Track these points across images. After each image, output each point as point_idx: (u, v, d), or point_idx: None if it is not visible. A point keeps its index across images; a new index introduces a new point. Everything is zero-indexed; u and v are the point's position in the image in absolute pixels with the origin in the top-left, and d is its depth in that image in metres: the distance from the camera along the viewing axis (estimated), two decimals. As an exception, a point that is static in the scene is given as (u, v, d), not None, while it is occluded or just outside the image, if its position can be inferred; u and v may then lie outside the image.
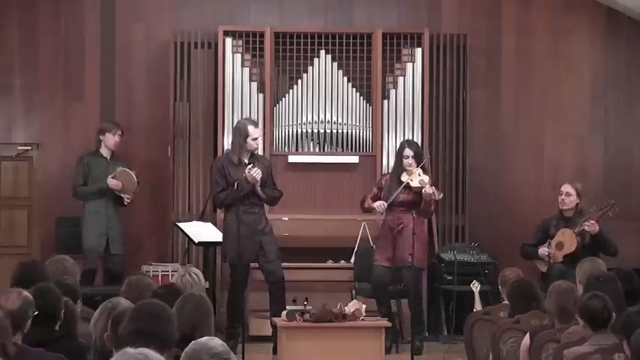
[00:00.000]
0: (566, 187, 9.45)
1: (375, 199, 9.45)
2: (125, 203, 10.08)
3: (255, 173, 9.08)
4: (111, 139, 10.10)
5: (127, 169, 10.06)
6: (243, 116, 10.55)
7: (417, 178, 9.27)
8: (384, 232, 9.44)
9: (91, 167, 10.06)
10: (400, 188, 9.28)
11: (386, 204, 9.32)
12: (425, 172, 9.39)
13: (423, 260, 9.43)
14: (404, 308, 9.77)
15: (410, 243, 9.08)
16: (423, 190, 9.17)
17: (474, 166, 11.02)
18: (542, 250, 9.30)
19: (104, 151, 10.13)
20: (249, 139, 9.17)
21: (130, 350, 3.47)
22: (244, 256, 9.02)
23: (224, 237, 9.24)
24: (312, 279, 10.07)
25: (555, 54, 11.33)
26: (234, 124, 9.59)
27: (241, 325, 8.99)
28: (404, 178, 9.33)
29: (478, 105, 11.17)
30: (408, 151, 9.38)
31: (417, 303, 9.35)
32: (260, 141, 9.44)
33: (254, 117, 10.57)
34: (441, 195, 9.39)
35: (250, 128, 9.22)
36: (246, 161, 9.17)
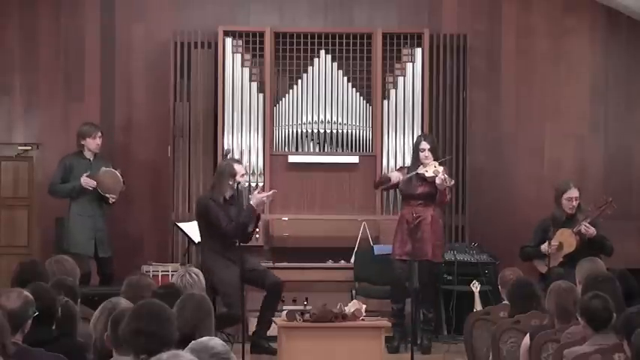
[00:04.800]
0: (575, 192, 9.43)
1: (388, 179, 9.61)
2: (110, 202, 10.04)
3: (268, 194, 9.10)
4: (92, 143, 10.08)
5: (112, 169, 10.03)
6: (244, 116, 10.58)
7: (432, 169, 9.36)
8: (401, 226, 9.48)
9: (73, 168, 10.03)
10: (413, 172, 9.38)
11: (401, 176, 9.46)
12: (441, 164, 9.47)
13: (440, 255, 9.52)
14: (406, 307, 9.78)
15: (427, 237, 9.21)
16: (437, 178, 9.24)
17: (473, 166, 11.02)
18: (545, 246, 9.29)
19: (87, 153, 10.11)
20: (237, 177, 9.07)
21: (184, 355, 3.47)
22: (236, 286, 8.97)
23: (227, 290, 8.99)
24: (312, 279, 10.07)
25: (555, 54, 11.33)
26: (218, 166, 9.50)
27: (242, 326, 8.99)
28: (420, 170, 9.41)
29: (478, 105, 11.16)
30: (424, 144, 9.49)
31: (430, 300, 9.49)
32: (246, 177, 9.42)
33: (254, 117, 10.60)
34: (453, 182, 9.49)
35: (236, 166, 9.12)
36: (227, 198, 9.07)
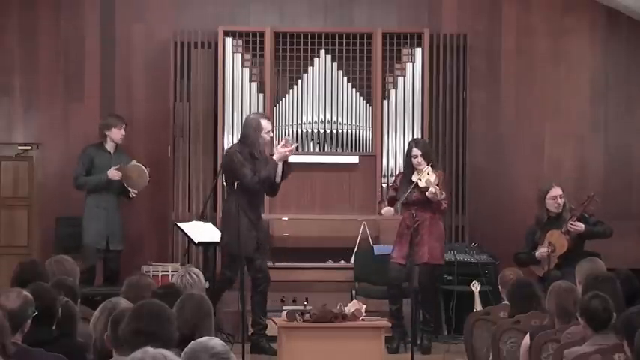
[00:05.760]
0: (558, 191, 9.43)
1: (392, 201, 9.58)
2: (131, 196, 10.12)
3: (290, 148, 9.11)
4: (117, 134, 10.16)
5: (141, 165, 10.08)
6: (244, 116, 10.55)
7: (425, 177, 9.32)
8: (401, 229, 9.47)
9: (94, 159, 10.12)
10: (409, 189, 9.33)
11: (392, 210, 9.47)
12: (435, 169, 9.42)
13: (440, 257, 9.50)
14: (405, 308, 9.78)
15: (427, 240, 9.25)
16: (428, 192, 9.23)
17: (473, 166, 11.02)
18: (541, 251, 9.28)
19: (108, 146, 10.19)
20: (262, 133, 9.17)
21: (150, 349, 3.47)
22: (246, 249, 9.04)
23: (228, 230, 9.12)
24: (312, 279, 10.08)
25: (555, 54, 11.33)
26: (244, 120, 9.55)
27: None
28: (414, 178, 9.38)
29: (478, 105, 11.17)
30: (415, 151, 9.43)
31: (430, 301, 9.51)
32: (271, 134, 9.45)
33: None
34: (443, 195, 9.39)
35: (263, 122, 9.24)
36: (254, 153, 9.18)
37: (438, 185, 9.28)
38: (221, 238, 9.31)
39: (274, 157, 9.13)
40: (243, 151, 9.15)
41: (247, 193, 9.10)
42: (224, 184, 9.73)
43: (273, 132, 9.42)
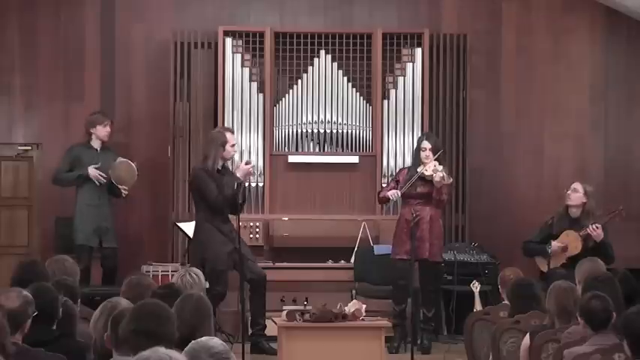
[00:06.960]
0: (576, 185, 9.45)
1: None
2: (123, 195, 10.08)
3: (251, 167, 9.15)
4: (102, 131, 10.14)
5: (129, 161, 10.07)
6: (244, 116, 10.58)
7: (431, 167, 9.34)
8: (400, 225, 9.48)
9: (81, 157, 10.10)
10: (414, 178, 9.34)
11: (399, 192, 9.40)
12: (441, 163, 9.44)
13: (439, 255, 9.53)
14: (408, 308, 9.78)
15: (426, 236, 9.26)
16: (435, 174, 9.22)
17: (473, 166, 11.02)
18: (554, 245, 9.23)
19: (95, 143, 10.17)
20: (227, 146, 9.14)
21: (160, 349, 3.47)
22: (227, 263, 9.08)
23: (216, 267, 9.07)
24: (312, 279, 10.08)
25: (555, 54, 11.33)
26: (208, 135, 9.58)
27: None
28: (419, 169, 9.39)
29: (478, 105, 11.17)
30: (425, 144, 9.47)
31: (429, 299, 9.52)
32: (237, 148, 9.42)
33: (254, 117, 10.61)
34: (451, 179, 9.44)
35: (228, 135, 9.22)
36: (220, 168, 9.16)
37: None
38: (198, 256, 9.18)
39: (237, 174, 9.13)
40: (210, 169, 9.12)
41: (214, 211, 9.11)
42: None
43: (236, 145, 9.37)
